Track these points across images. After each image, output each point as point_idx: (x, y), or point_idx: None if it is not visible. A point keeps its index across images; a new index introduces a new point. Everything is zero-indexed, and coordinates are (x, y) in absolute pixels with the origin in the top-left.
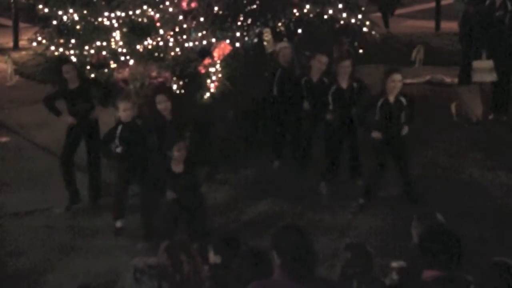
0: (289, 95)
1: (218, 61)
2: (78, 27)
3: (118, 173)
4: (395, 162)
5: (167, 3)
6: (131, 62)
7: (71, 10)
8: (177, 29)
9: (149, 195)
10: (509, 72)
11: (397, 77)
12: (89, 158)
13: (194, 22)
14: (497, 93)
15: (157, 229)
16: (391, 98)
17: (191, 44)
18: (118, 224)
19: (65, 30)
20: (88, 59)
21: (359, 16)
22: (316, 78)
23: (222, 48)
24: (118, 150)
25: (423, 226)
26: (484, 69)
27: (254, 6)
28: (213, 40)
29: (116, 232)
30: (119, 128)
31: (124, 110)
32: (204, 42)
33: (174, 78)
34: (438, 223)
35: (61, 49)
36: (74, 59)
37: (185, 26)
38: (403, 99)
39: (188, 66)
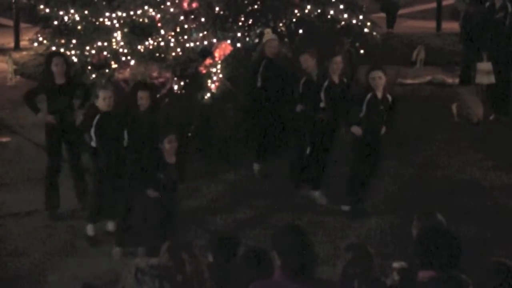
0: (274, 88)
1: (219, 62)
2: (79, 27)
3: (93, 170)
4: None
5: (168, 3)
6: (132, 62)
7: (72, 10)
8: (178, 30)
9: (128, 193)
10: (509, 73)
11: (377, 73)
12: (70, 162)
13: (195, 23)
14: (497, 94)
15: (141, 232)
16: (379, 95)
17: (192, 44)
18: (90, 231)
19: (66, 30)
20: (89, 59)
21: (360, 17)
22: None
23: (223, 49)
24: (93, 143)
25: (422, 225)
26: (483, 71)
27: (255, 7)
28: (214, 40)
29: (87, 239)
30: (97, 117)
31: (103, 99)
32: (205, 43)
33: (175, 78)
34: (437, 223)
35: (62, 49)
36: (75, 59)
37: (186, 26)
38: (389, 97)
39: (189, 67)
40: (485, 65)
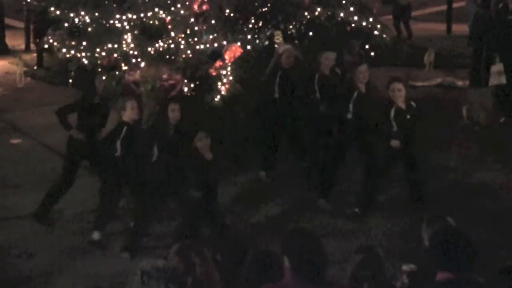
0: (290, 98)
1: (229, 64)
2: (89, 29)
3: (109, 179)
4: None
5: (179, 5)
6: (142, 64)
7: (82, 12)
8: (188, 32)
9: (150, 201)
10: None
11: (396, 86)
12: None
13: (206, 25)
14: (507, 96)
15: (181, 231)
16: (402, 106)
17: (202, 46)
18: (96, 236)
19: (76, 32)
20: (99, 62)
21: (370, 19)
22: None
23: (233, 51)
24: (117, 153)
25: (433, 229)
26: (495, 72)
27: (265, 9)
28: (224, 42)
29: (90, 244)
30: (124, 128)
31: (132, 108)
32: (215, 45)
33: (185, 81)
34: (448, 226)
35: (72, 51)
36: (85, 61)
37: (196, 28)
38: (413, 104)
39: (199, 69)
40: (497, 66)
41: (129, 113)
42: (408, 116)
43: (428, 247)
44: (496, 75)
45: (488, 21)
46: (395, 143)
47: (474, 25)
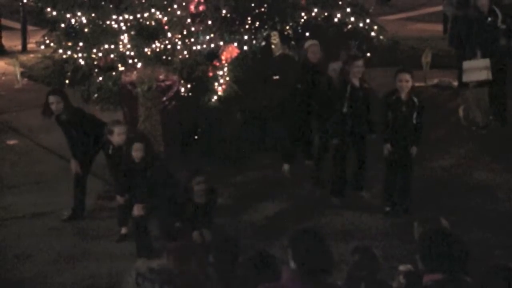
0: (318, 92)
1: (226, 64)
2: (86, 30)
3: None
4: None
5: (175, 6)
6: (139, 65)
7: (79, 13)
8: (185, 32)
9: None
10: (504, 74)
11: (404, 76)
12: None
13: (202, 25)
14: (493, 96)
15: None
16: (403, 96)
17: (199, 47)
18: (123, 230)
19: (73, 33)
20: (96, 62)
21: (367, 20)
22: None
23: (230, 51)
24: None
25: (423, 229)
26: (476, 68)
27: (262, 9)
28: (221, 43)
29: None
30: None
31: (118, 134)
32: (212, 45)
33: (182, 81)
34: (438, 227)
35: (69, 52)
36: (82, 62)
37: (193, 29)
38: (415, 100)
39: (196, 69)
40: (478, 62)
41: (115, 139)
42: (404, 109)
43: (416, 247)
44: (479, 70)
45: (466, 22)
46: (387, 148)
47: (453, 27)
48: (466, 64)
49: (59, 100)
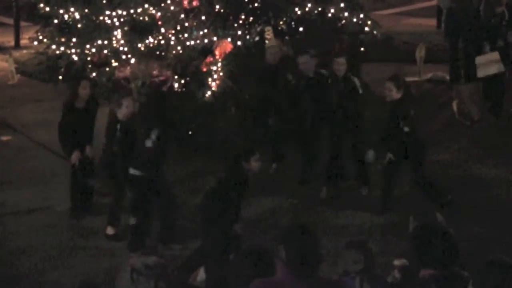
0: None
1: (220, 60)
2: (79, 25)
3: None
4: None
5: (169, 1)
6: (133, 60)
7: (72, 9)
8: (178, 28)
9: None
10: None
11: (387, 85)
12: None
13: (196, 21)
14: (490, 90)
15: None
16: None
17: (192, 42)
18: (110, 230)
19: (66, 29)
20: (89, 58)
21: (361, 15)
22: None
23: (224, 47)
24: (115, 148)
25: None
26: (488, 62)
27: (256, 5)
28: (215, 38)
29: (108, 238)
30: (118, 126)
31: (127, 107)
32: (206, 41)
33: (176, 77)
34: (432, 221)
35: (62, 48)
36: (75, 57)
37: (186, 24)
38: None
39: (190, 65)
40: (489, 56)
41: (124, 111)
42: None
43: (410, 242)
44: (492, 64)
45: (461, 15)
46: (388, 156)
47: (448, 20)
48: (479, 60)
49: (90, 86)
